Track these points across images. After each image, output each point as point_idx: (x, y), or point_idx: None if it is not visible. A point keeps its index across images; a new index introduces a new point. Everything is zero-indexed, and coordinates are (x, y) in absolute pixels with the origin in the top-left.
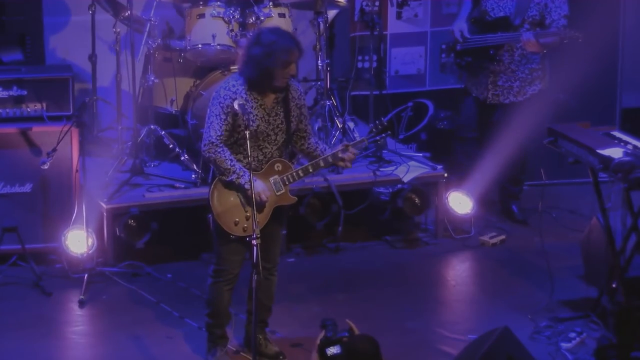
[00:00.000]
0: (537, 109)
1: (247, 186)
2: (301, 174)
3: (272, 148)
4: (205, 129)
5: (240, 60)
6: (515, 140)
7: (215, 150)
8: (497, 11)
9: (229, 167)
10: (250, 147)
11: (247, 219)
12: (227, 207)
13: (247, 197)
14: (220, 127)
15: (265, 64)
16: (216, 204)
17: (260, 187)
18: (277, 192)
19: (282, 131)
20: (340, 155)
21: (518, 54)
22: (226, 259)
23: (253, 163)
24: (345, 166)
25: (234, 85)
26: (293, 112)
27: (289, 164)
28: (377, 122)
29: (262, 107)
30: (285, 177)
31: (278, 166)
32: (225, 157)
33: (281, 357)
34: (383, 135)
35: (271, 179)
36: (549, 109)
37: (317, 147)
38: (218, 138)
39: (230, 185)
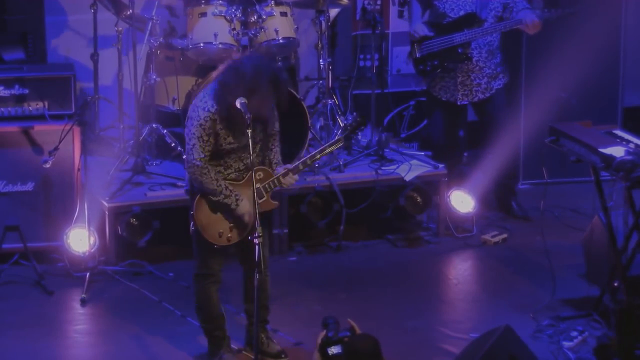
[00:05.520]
0: (505, 103)
1: (233, 206)
2: (283, 182)
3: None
4: (187, 151)
5: (214, 82)
6: (502, 136)
7: (200, 172)
8: (457, 10)
9: (216, 187)
10: (232, 159)
11: (231, 229)
12: (210, 219)
13: (230, 209)
14: (203, 149)
15: (234, 96)
16: (200, 217)
17: (245, 208)
18: (259, 199)
19: (260, 139)
20: (282, 179)
21: (485, 50)
22: (210, 263)
23: (234, 174)
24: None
25: (212, 106)
26: (269, 117)
27: (270, 171)
28: (351, 118)
29: (242, 121)
30: (267, 185)
31: (259, 174)
32: (210, 178)
33: (283, 356)
34: (357, 131)
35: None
36: (516, 101)
37: (272, 155)
38: (201, 160)
39: (211, 200)
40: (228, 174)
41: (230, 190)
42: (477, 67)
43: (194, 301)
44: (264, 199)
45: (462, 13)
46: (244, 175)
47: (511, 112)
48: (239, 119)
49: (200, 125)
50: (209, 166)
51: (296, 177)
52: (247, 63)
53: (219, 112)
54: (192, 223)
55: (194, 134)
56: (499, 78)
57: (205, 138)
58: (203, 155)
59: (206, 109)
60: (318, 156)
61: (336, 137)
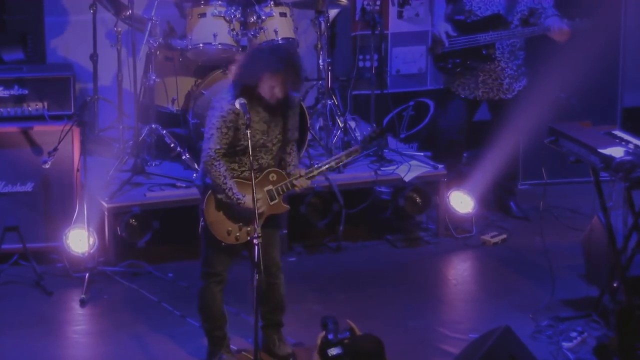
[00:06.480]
0: (526, 105)
1: (236, 203)
2: (295, 184)
3: (267, 158)
4: (205, 140)
5: (234, 71)
6: (507, 137)
7: (212, 164)
8: (484, 10)
9: (221, 183)
10: (247, 157)
11: (240, 228)
12: (220, 217)
13: (240, 208)
14: (221, 140)
15: (250, 74)
16: (210, 213)
17: (248, 203)
18: (271, 201)
19: (279, 141)
20: (294, 181)
21: (508, 50)
22: (216, 262)
23: (247, 172)
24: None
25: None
26: (291, 120)
27: (284, 174)
28: (371, 129)
29: (264, 120)
30: (279, 187)
31: (273, 176)
32: (219, 172)
33: (291, 359)
34: (375, 142)
35: (265, 189)
36: (537, 104)
37: (291, 158)
38: (217, 152)
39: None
40: (242, 172)
41: (234, 193)
42: (500, 67)
43: (197, 299)
44: (275, 201)
45: (489, 13)
46: (257, 175)
47: (531, 115)
48: (260, 109)
49: (222, 117)
50: (222, 161)
51: (309, 181)
52: (264, 46)
53: (239, 97)
54: (201, 219)
55: (214, 124)
56: (521, 80)
57: (224, 130)
58: (219, 147)
59: (230, 101)
60: (334, 164)
61: (353, 147)
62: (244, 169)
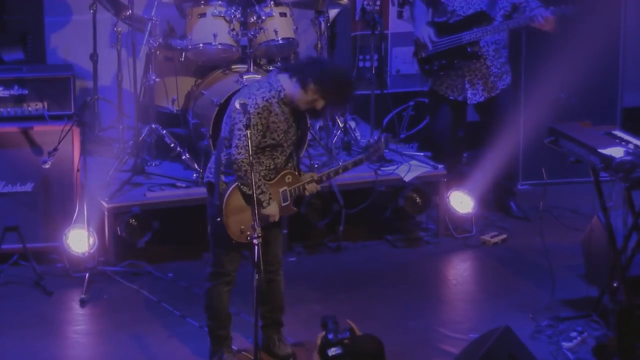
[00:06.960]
0: (510, 102)
1: (265, 204)
2: (306, 188)
3: (282, 158)
4: (240, 137)
5: (295, 65)
6: (506, 137)
7: (250, 162)
8: (467, 9)
9: (256, 180)
10: (265, 156)
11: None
12: (237, 213)
13: (260, 207)
14: (256, 138)
15: (311, 82)
16: (228, 208)
17: (272, 210)
18: (283, 203)
19: (292, 143)
20: (306, 187)
21: (492, 49)
22: (225, 261)
23: (264, 171)
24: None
25: (273, 96)
26: (303, 125)
27: (298, 177)
28: (372, 142)
29: (287, 120)
30: (292, 190)
31: (289, 178)
32: (254, 169)
33: (291, 359)
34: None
35: (280, 190)
36: (537, 104)
37: (296, 163)
38: (253, 149)
39: (246, 195)
40: (260, 171)
41: (267, 188)
42: (485, 66)
43: (204, 298)
44: (287, 203)
45: (472, 11)
46: (272, 176)
47: (512, 112)
48: (287, 109)
49: (258, 114)
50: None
51: (319, 187)
52: (337, 65)
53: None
54: (209, 216)
55: (251, 121)
56: (504, 78)
57: (260, 127)
58: (256, 144)
59: (265, 98)
60: (341, 171)
61: (359, 157)
62: (261, 167)
